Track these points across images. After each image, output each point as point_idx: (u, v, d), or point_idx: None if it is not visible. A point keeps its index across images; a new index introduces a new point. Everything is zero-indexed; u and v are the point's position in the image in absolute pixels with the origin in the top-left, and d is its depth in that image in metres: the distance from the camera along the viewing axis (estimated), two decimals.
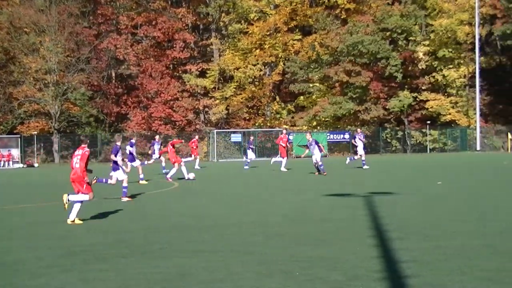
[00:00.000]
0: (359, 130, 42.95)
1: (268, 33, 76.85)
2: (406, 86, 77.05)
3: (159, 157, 39.20)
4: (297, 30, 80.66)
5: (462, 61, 77.23)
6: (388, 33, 75.22)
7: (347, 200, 20.16)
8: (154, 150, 39.77)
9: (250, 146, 48.51)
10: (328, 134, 70.48)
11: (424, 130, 76.14)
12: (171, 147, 33.19)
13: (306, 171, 36.85)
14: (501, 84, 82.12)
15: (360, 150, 39.05)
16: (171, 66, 76.98)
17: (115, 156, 22.81)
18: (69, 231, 14.78)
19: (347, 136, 71.69)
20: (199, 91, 76.60)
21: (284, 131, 41.77)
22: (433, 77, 76.38)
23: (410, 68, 77.72)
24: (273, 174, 36.91)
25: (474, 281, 8.62)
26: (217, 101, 75.52)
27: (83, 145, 16.85)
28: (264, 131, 73.57)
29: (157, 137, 41.27)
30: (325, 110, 73.56)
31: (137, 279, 9.38)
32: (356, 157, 39.97)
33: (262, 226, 14.77)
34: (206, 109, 77.01)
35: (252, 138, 51.68)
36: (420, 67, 76.64)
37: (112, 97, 73.88)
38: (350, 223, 14.83)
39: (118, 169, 22.69)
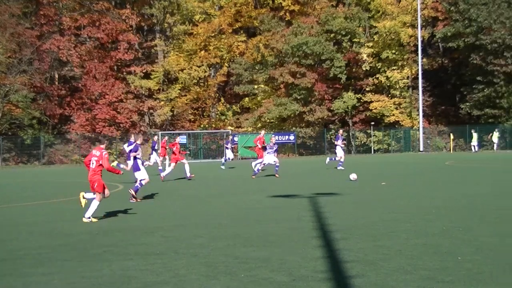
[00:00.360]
0: (340, 131, 43.12)
1: (212, 34, 76.77)
2: (350, 88, 77.76)
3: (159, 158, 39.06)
4: (241, 32, 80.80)
5: (405, 63, 78.09)
6: (332, 35, 75.71)
7: (292, 201, 20.21)
8: (152, 151, 39.43)
9: (227, 146, 48.53)
10: (273, 135, 70.55)
11: (368, 131, 76.84)
12: (175, 148, 33.40)
13: (248, 171, 36.81)
14: (443, 85, 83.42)
15: (339, 151, 39.27)
16: (115, 67, 76.29)
17: (132, 152, 22.70)
18: (12, 235, 14.55)
19: (292, 137, 71.94)
20: (143, 92, 76.07)
21: (263, 132, 41.31)
22: (377, 78, 77.13)
23: (354, 69, 78.33)
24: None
25: (417, 280, 8.71)
26: (162, 102, 75.13)
27: (101, 146, 17.10)
28: (209, 133, 73.45)
29: (155, 137, 40.80)
30: (270, 112, 73.70)
31: (81, 282, 9.28)
32: (337, 158, 39.99)
33: (207, 227, 14.72)
34: (151, 110, 76.49)
35: (230, 137, 51.55)
36: (364, 69, 77.26)
37: (55, 99, 72.83)
38: (295, 224, 14.86)
39: (139, 169, 22.55)
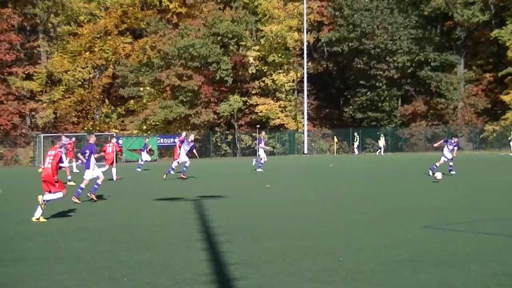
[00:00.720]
0: (263, 133, 43.21)
1: (98, 35, 75.66)
2: (236, 90, 77.99)
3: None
4: (128, 33, 79.93)
5: (291, 67, 79.04)
6: (219, 38, 75.76)
7: (177, 204, 20.09)
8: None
9: (144, 149, 48.18)
10: (159, 138, 69.97)
11: (253, 134, 77.22)
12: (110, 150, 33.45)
13: (137, 175, 36.45)
14: (327, 89, 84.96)
15: (262, 153, 39.31)
16: None
17: (82, 154, 22.13)
18: None
19: (177, 140, 71.37)
20: (25, 94, 74.08)
21: (184, 133, 40.64)
22: (263, 81, 77.69)
23: (240, 72, 78.64)
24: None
25: (300, 282, 8.74)
26: (44, 104, 73.42)
27: (56, 146, 17.59)
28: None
29: (92, 136, 39.68)
30: (156, 114, 73.18)
31: None
32: (261, 160, 40.05)
33: (91, 232, 14.42)
34: (33, 112, 74.65)
35: (147, 140, 51.01)
36: (250, 72, 77.68)
37: None
38: (180, 227, 14.75)
39: (88, 168, 21.89)
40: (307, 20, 76.06)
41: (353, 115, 77.74)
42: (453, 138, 33.15)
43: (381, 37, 73.20)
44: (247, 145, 78.36)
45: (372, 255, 10.57)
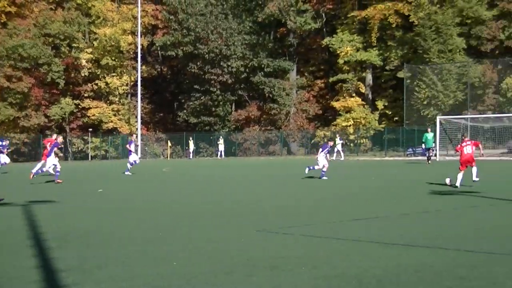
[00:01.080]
0: (134, 136, 42.60)
1: None
2: (68, 93, 76.61)
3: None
4: None
5: (124, 70, 78.52)
6: (50, 39, 74.22)
7: (3, 209, 19.37)
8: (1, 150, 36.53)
9: (2, 151, 46.21)
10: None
11: (85, 138, 76.11)
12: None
13: None
14: (161, 93, 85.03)
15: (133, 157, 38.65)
16: None
17: None
18: None
19: (6, 143, 69.08)
20: None
21: (55, 135, 39.28)
22: (96, 84, 76.79)
23: (73, 75, 77.39)
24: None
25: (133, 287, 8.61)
26: None
27: None
28: None
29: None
30: None
31: None
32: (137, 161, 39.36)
33: None
34: None
35: (6, 142, 48.96)
36: (83, 74, 76.56)
37: None
38: (7, 233, 14.18)
39: None
40: (141, 24, 75.74)
41: (187, 119, 78.12)
42: (328, 142, 32.95)
43: (215, 42, 73.98)
44: (79, 149, 77.12)
45: (206, 260, 10.54)
